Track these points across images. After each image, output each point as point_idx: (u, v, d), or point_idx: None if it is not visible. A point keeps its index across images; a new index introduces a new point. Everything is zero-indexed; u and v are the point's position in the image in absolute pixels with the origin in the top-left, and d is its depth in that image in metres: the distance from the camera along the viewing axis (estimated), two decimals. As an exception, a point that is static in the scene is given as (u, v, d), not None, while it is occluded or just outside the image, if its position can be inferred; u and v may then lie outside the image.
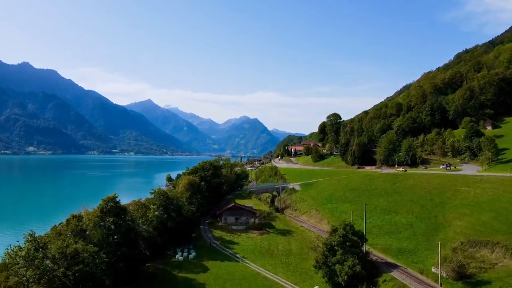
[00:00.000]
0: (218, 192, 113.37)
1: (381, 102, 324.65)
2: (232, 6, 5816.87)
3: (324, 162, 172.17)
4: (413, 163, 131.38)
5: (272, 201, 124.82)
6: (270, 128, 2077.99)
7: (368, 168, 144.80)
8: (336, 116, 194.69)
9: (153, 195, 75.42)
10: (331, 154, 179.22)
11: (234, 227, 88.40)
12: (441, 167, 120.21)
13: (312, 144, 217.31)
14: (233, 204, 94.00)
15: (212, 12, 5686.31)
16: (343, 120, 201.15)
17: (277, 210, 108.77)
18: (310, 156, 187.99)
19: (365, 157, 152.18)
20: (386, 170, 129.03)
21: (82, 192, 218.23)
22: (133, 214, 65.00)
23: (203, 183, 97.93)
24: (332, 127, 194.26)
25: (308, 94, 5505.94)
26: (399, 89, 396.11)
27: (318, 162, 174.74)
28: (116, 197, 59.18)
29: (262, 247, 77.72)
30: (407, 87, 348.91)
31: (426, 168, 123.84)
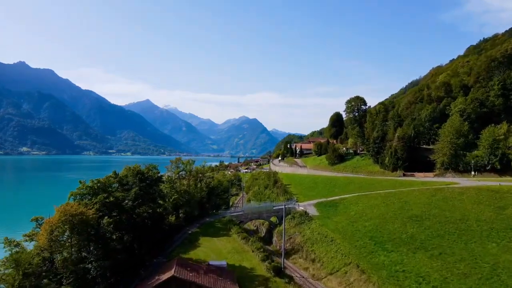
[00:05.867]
0: (155, 231, 55.04)
1: (415, 81, 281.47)
2: (232, 6, 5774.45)
3: (347, 166, 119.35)
4: (506, 169, 78.96)
5: (270, 239, 71.93)
6: (269, 129, 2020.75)
7: (421, 176, 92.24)
8: (359, 100, 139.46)
9: None
10: (355, 153, 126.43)
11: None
12: None
13: (323, 141, 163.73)
14: (172, 274, 38.18)
15: (211, 12, 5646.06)
16: (369, 106, 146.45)
17: (277, 271, 50.26)
18: (324, 156, 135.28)
19: (411, 158, 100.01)
20: (464, 181, 75.70)
21: (23, 199, 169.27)
22: None
23: (106, 219, 42.95)
24: (354, 116, 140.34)
25: (308, 95, 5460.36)
26: (404, 86, 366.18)
27: (337, 166, 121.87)
28: None
29: None
30: (413, 84, 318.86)
31: (540, 177, 71.23)
